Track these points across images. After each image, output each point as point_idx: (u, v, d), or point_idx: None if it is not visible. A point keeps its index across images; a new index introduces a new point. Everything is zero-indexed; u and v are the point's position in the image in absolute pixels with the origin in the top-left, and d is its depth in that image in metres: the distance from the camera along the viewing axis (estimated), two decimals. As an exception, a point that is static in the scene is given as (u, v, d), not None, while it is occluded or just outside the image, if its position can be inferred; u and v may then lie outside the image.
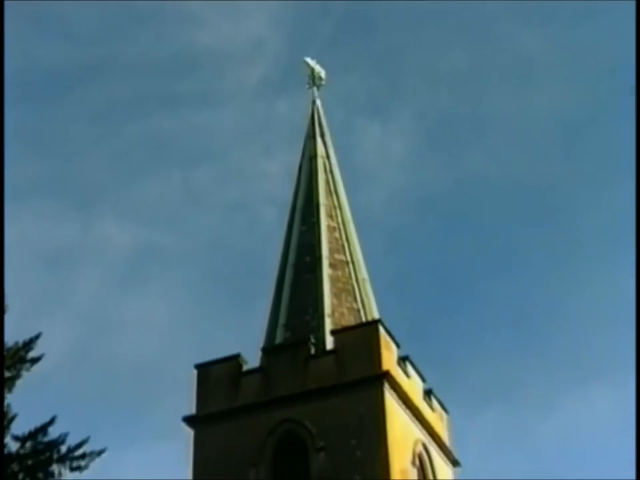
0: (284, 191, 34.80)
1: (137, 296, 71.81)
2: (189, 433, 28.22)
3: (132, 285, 71.92)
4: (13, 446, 21.78)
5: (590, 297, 69.41)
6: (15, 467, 21.38)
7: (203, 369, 28.74)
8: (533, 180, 70.61)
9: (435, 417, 29.96)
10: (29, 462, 21.62)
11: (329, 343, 28.51)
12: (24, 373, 22.20)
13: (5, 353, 22.11)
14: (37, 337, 22.37)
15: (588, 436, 68.72)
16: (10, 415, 21.81)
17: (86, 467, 21.99)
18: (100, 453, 22.26)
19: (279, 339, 29.86)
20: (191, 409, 28.39)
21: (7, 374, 22.03)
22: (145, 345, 68.33)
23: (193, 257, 70.35)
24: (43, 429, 22.11)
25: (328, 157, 34.82)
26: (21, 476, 21.24)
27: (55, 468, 21.81)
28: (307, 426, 26.99)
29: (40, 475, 21.63)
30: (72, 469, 21.95)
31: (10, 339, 22.06)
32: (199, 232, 70.98)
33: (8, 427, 21.60)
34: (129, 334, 70.27)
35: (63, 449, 21.91)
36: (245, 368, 28.45)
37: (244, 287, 59.03)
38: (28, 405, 22.54)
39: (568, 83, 69.83)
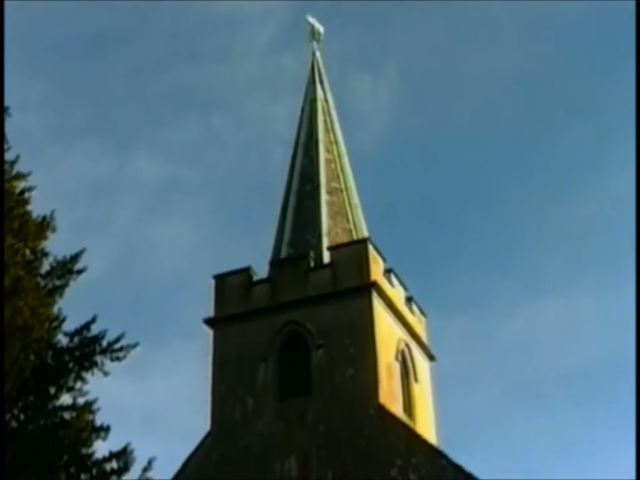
0: (289, 132, 35.82)
1: (165, 221, 74.11)
2: (209, 333, 29.20)
3: (161, 211, 74.80)
4: (63, 341, 22.26)
5: (546, 226, 71.91)
6: (66, 357, 22.23)
7: (220, 279, 29.68)
8: (500, 124, 74.04)
9: (415, 320, 31.03)
10: (77, 353, 22.01)
11: (326, 257, 29.49)
12: (71, 282, 22.39)
13: (55, 265, 22.78)
14: (82, 252, 22.45)
15: (542, 339, 71.11)
16: (61, 317, 22.52)
17: (123, 357, 22.40)
18: (134, 346, 22.59)
19: (283, 254, 30.90)
20: (210, 313, 29.33)
21: (57, 283, 22.23)
22: (172, 261, 70.13)
23: (212, 189, 73.05)
24: (87, 327, 22.31)
25: (326, 100, 35.66)
26: (71, 365, 21.72)
27: (97, 358, 22.20)
28: (308, 327, 27.98)
29: (86, 364, 22.17)
30: (112, 360, 22.57)
31: (59, 254, 22.47)
32: (217, 167, 74.07)
33: (59, 326, 22.03)
34: (158, 252, 72.08)
35: (104, 343, 22.29)
36: (255, 278, 29.44)
37: (255, 212, 60.94)
38: (75, 309, 23.14)
39: (530, 45, 71.83)
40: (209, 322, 29.27)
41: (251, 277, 29.50)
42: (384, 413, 26.43)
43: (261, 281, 29.52)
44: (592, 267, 74.95)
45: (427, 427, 29.36)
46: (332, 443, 26.46)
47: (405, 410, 28.28)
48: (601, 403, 74.16)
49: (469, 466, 25.17)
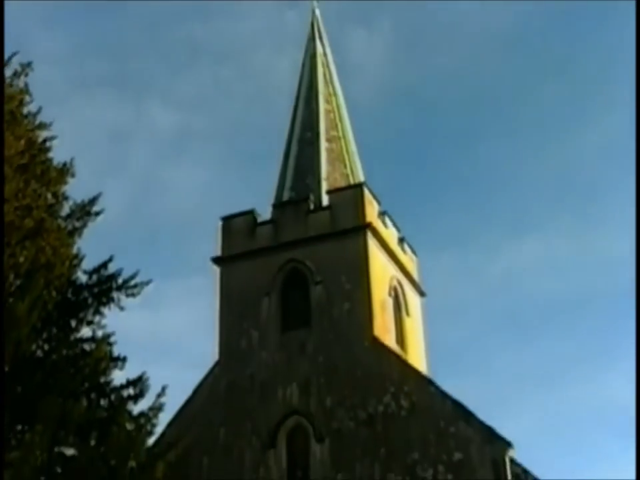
0: (292, 83, 35.89)
1: (177, 165, 74.67)
2: (216, 270, 29.57)
3: (173, 156, 75.33)
4: (83, 278, 22.29)
5: (526, 170, 72.74)
6: (85, 293, 22.46)
7: (227, 220, 29.92)
8: (486, 74, 74.32)
9: (407, 259, 31.38)
10: (95, 290, 22.17)
11: (325, 200, 29.74)
12: (89, 224, 22.34)
13: (75, 207, 22.92)
14: (99, 195, 22.40)
15: (523, 276, 71.94)
16: (80, 256, 22.77)
17: (138, 293, 22.57)
18: (147, 282, 22.66)
19: (285, 197, 31.14)
20: (217, 252, 29.63)
21: (77, 224, 22.28)
22: (184, 203, 70.53)
23: (220, 136, 73.51)
24: (104, 265, 22.44)
25: (325, 55, 35.69)
26: (90, 300, 21.89)
27: (114, 294, 22.32)
28: (308, 264, 28.30)
29: (104, 299, 22.36)
30: (127, 295, 22.79)
31: (78, 197, 22.43)
32: (225, 116, 74.16)
33: (79, 264, 22.11)
34: (171, 194, 72.48)
35: (120, 280, 22.49)
36: (259, 220, 29.66)
37: (259, 158, 61.22)
38: (93, 249, 23.31)
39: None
40: (216, 260, 29.54)
41: (255, 219, 29.69)
42: (378, 345, 26.78)
43: (264, 222, 29.70)
44: (569, 209, 75.67)
45: (417, 357, 29.74)
46: (330, 371, 26.87)
47: (397, 342, 28.63)
48: (575, 334, 75.21)
49: (456, 393, 25.78)
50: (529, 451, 30.96)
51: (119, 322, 22.95)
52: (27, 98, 21.94)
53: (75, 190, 23.11)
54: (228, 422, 27.38)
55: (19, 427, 19.37)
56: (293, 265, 28.69)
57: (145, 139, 75.19)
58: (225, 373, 28.04)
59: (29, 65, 22.02)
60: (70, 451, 20.21)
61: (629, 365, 70.19)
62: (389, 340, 27.68)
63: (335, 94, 34.65)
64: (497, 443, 24.40)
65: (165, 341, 66.12)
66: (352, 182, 31.11)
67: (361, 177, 32.00)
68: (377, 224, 29.07)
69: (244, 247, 29.39)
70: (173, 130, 75.77)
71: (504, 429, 24.73)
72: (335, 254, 28.28)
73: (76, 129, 59.35)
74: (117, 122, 74.13)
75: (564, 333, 73.46)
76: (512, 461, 24.32)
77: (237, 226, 29.78)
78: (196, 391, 28.09)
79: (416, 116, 73.19)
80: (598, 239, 74.68)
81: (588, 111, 73.60)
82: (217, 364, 28.29)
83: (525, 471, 24.61)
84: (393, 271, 29.79)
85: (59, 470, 19.84)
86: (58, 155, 22.53)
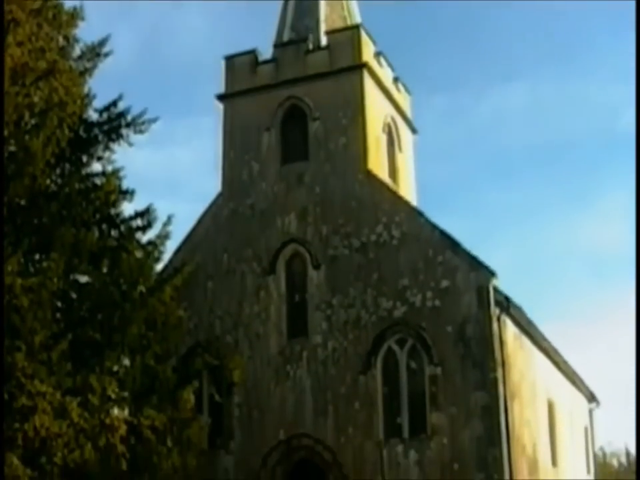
0: None
1: (186, 8, 78.16)
2: (220, 108, 29.83)
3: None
4: (94, 116, 23.22)
5: (514, 16, 72.02)
6: (96, 130, 22.87)
7: (230, 59, 29.90)
8: None
9: (401, 98, 31.52)
10: (105, 127, 22.86)
11: (323, 40, 29.78)
12: (99, 64, 23.01)
13: (85, 49, 22.82)
14: (108, 37, 22.79)
15: (510, 119, 72.49)
16: (91, 95, 23.05)
17: (146, 130, 23.02)
18: (155, 120, 23.05)
19: (286, 37, 30.96)
20: (221, 90, 29.81)
21: (87, 65, 22.60)
22: (191, 45, 70.33)
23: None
24: (114, 104, 23.00)
25: None
26: (100, 137, 22.81)
27: (123, 131, 22.86)
28: (307, 101, 28.53)
29: (113, 136, 22.76)
30: (135, 132, 23.23)
31: (88, 40, 23.00)
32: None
33: (90, 103, 22.88)
34: (179, 37, 72.23)
35: (129, 118, 23.04)
36: (260, 59, 29.71)
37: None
38: (103, 89, 23.72)
39: None
40: (220, 97, 29.78)
41: (256, 58, 29.75)
42: (371, 177, 27.34)
43: (265, 61, 29.74)
44: (556, 57, 75.44)
45: (409, 191, 30.39)
46: (326, 202, 27.58)
47: (390, 176, 29.18)
48: (556, 177, 76.13)
49: (444, 227, 26.65)
50: (511, 283, 31.97)
51: (129, 159, 23.61)
52: None
53: (86, 34, 23.52)
54: (230, 248, 28.38)
55: (37, 256, 20.35)
56: (292, 101, 28.86)
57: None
58: (227, 203, 28.80)
59: None
60: (84, 278, 21.28)
61: (603, 208, 71.91)
62: (382, 174, 28.24)
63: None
64: (481, 271, 25.39)
65: (173, 178, 67.06)
66: (349, 23, 31.10)
67: (358, 19, 31.93)
68: (373, 63, 29.04)
69: (246, 85, 29.51)
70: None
71: (488, 261, 25.74)
72: (332, 92, 28.41)
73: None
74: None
75: (546, 175, 74.65)
76: (495, 289, 25.39)
77: (239, 64, 29.77)
78: (200, 220, 29.00)
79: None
80: (583, 87, 74.79)
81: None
82: (220, 195, 29.05)
83: (507, 299, 25.79)
84: (387, 108, 30.00)
85: (74, 296, 20.93)
86: (68, -1, 22.78)
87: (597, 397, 41.92)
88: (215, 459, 26.65)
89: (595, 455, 43.95)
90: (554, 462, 31.51)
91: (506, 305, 25.83)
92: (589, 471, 40.54)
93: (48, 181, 21.18)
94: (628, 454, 78.37)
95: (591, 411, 42.54)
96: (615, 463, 79.14)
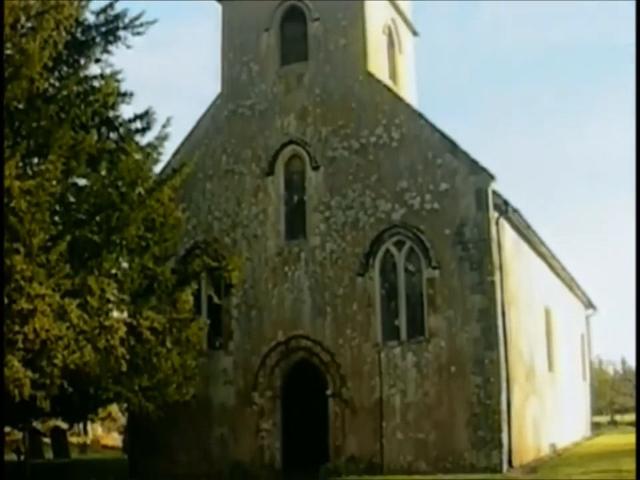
0: None
1: None
2: (219, 9, 29.25)
3: None
4: (91, 18, 23.08)
5: None
6: (93, 32, 22.79)
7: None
8: None
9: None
10: (103, 29, 22.63)
11: None
12: None
13: None
14: None
15: (509, 28, 71.29)
16: None
17: (144, 32, 22.96)
18: (153, 22, 22.97)
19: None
20: None
21: None
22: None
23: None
24: (111, 5, 22.79)
25: None
26: (98, 39, 22.56)
27: (121, 33, 22.96)
28: (306, 2, 27.94)
29: (111, 38, 22.69)
30: (133, 34, 23.19)
31: None
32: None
33: (87, 5, 22.50)
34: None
35: (126, 20, 22.99)
36: None
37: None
38: None
39: None
40: (219, 4, 29.30)
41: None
42: (371, 79, 27.06)
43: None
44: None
45: (408, 94, 30.02)
46: (326, 103, 27.34)
47: (390, 77, 28.90)
48: (558, 83, 75.52)
49: (443, 129, 26.45)
50: (509, 188, 31.79)
51: (130, 63, 23.50)
52: None
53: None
54: (229, 149, 28.36)
55: (35, 159, 20.39)
56: (291, 2, 28.39)
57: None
58: (226, 104, 28.61)
59: None
60: (82, 181, 21.35)
61: (601, 122, 71.41)
62: (382, 75, 27.94)
63: None
64: (480, 174, 25.29)
65: (173, 81, 66.50)
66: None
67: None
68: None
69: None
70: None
71: (487, 165, 25.61)
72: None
73: None
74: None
75: (548, 81, 73.94)
76: (494, 192, 25.38)
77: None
78: (199, 121, 28.86)
79: None
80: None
81: None
82: (219, 96, 28.85)
83: (505, 202, 25.88)
84: (387, 10, 29.59)
85: (72, 198, 21.03)
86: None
87: (594, 303, 42.28)
88: (213, 359, 27.11)
89: (591, 362, 44.57)
90: (550, 368, 31.96)
91: (504, 208, 25.90)
92: (584, 378, 41.14)
93: (46, 84, 21.05)
94: (624, 362, 79.42)
95: (587, 318, 42.97)
96: (610, 370, 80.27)
